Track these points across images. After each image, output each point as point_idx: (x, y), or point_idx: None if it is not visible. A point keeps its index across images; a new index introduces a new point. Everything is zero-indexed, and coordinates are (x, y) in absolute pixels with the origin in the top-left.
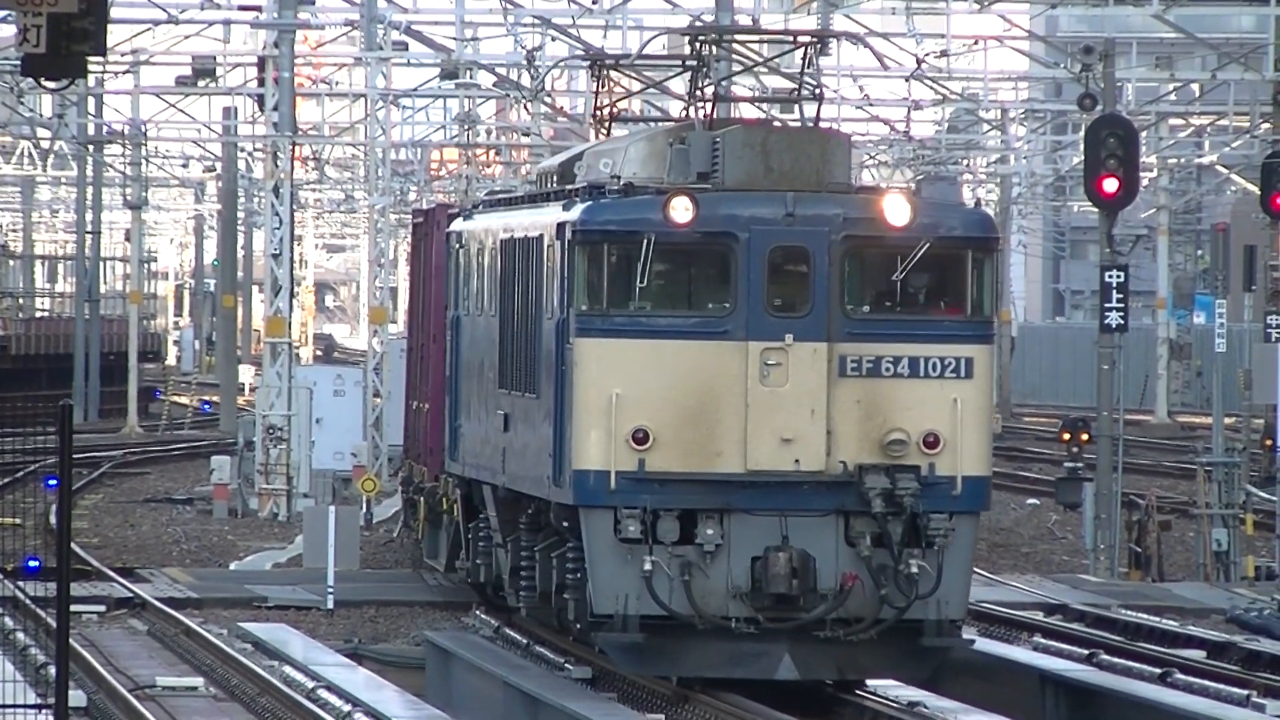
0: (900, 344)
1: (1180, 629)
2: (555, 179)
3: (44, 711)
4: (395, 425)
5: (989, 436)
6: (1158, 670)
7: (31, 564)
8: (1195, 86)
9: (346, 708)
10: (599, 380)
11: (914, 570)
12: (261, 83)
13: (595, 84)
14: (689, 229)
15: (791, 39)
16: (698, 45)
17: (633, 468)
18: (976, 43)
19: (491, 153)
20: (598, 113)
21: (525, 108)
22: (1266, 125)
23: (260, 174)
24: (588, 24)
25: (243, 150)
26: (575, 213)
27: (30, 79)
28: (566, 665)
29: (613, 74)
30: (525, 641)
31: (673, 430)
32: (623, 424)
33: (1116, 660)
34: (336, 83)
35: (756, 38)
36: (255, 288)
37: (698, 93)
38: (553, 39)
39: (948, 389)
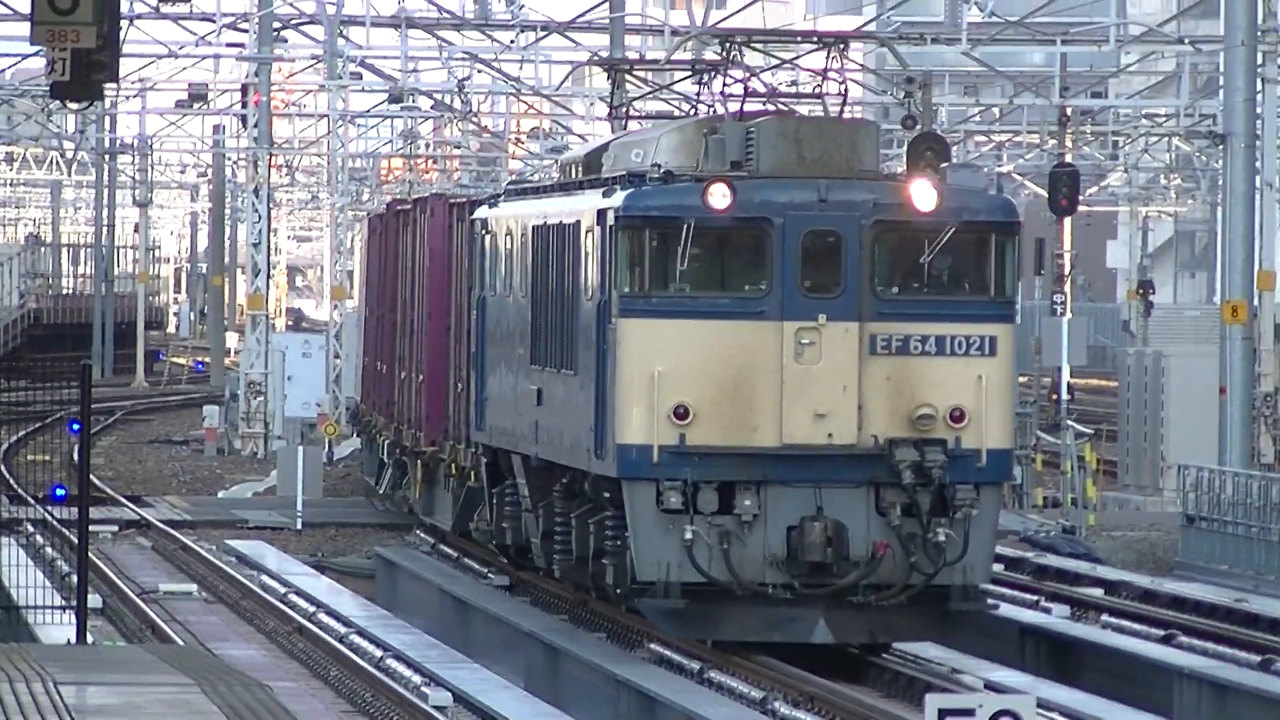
0: (927, 323)
1: None
2: (581, 169)
3: (68, 610)
4: (350, 382)
5: (1012, 411)
6: None
7: (58, 492)
8: (996, 110)
9: (311, 608)
10: (641, 358)
11: (941, 539)
12: (244, 105)
13: (612, 85)
14: (727, 214)
15: (816, 40)
16: (728, 46)
17: (674, 442)
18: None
19: (429, 162)
20: (614, 110)
21: (456, 126)
22: (1052, 141)
23: (243, 179)
24: (507, 58)
25: (229, 159)
26: (617, 199)
27: (57, 101)
28: (488, 575)
29: (628, 77)
30: (455, 555)
31: (712, 406)
32: (664, 400)
33: None
34: (304, 105)
35: (781, 39)
36: (239, 270)
37: (725, 89)
38: (479, 70)
39: (972, 366)
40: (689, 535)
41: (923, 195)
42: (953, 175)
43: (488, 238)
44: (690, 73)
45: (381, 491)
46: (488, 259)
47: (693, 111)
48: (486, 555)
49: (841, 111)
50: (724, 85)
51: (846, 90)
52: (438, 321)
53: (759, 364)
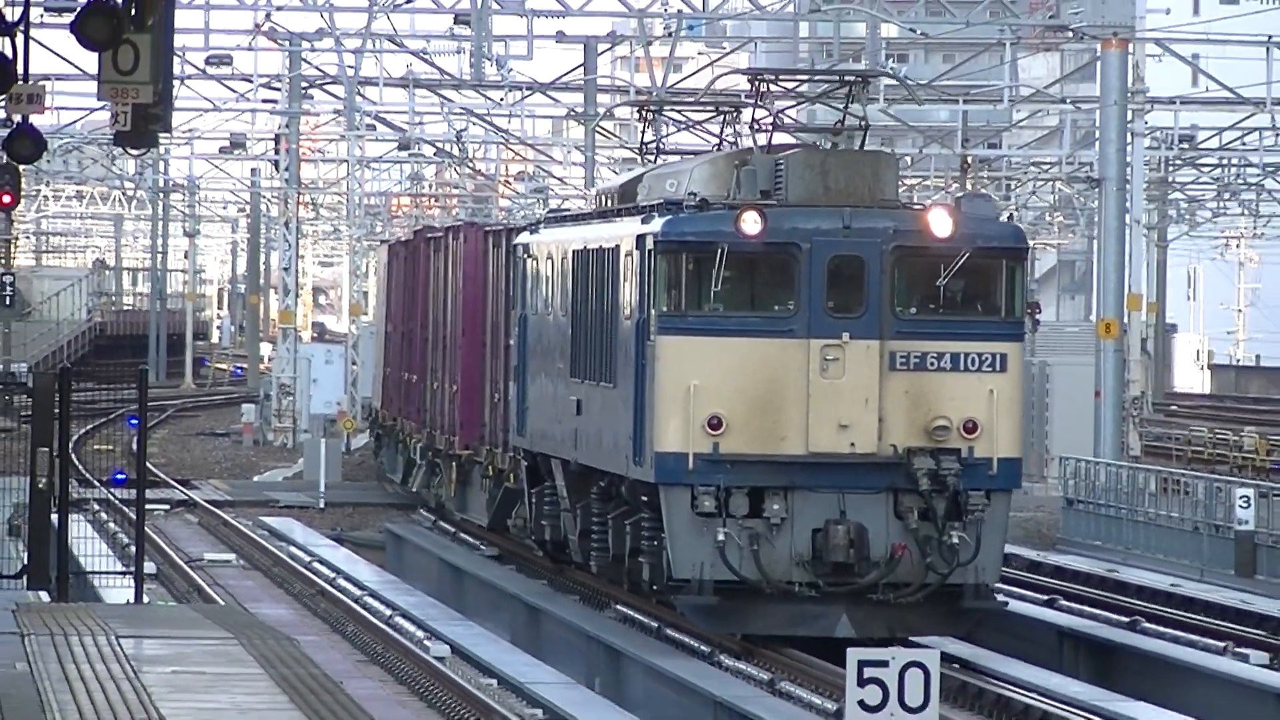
0: (943, 341)
1: None
2: (616, 199)
3: (127, 576)
4: (365, 384)
5: (1021, 423)
6: None
7: (119, 476)
8: (908, 158)
9: (332, 574)
10: (678, 373)
11: (955, 541)
12: (277, 151)
13: (643, 123)
14: (758, 240)
15: (839, 77)
16: (756, 84)
17: (708, 450)
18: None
19: (432, 199)
20: (644, 145)
21: (455, 170)
22: (955, 185)
23: (275, 213)
24: (498, 113)
25: (264, 197)
26: (656, 225)
27: (120, 147)
28: (480, 546)
29: (659, 115)
30: (453, 530)
31: (743, 417)
32: (699, 412)
33: None
34: (327, 152)
35: (806, 77)
36: (272, 290)
37: (755, 123)
38: (474, 123)
39: (985, 381)
40: (721, 537)
41: (940, 223)
42: (967, 204)
43: (529, 261)
44: (716, 111)
45: (414, 489)
46: (528, 281)
47: (717, 146)
48: (521, 550)
49: (862, 144)
50: (754, 120)
51: (867, 124)
52: (472, 338)
53: (787, 378)
